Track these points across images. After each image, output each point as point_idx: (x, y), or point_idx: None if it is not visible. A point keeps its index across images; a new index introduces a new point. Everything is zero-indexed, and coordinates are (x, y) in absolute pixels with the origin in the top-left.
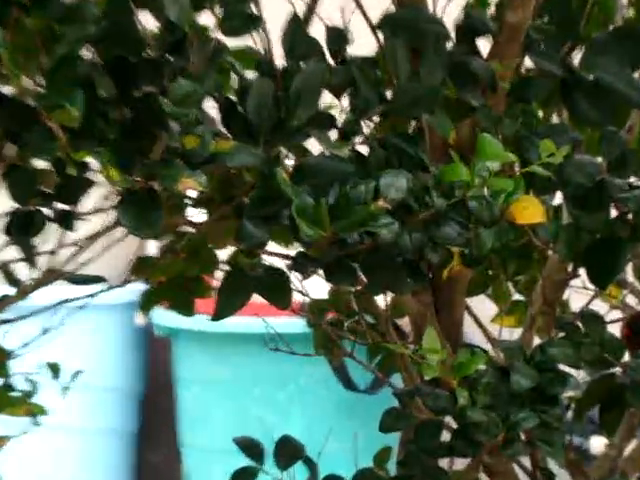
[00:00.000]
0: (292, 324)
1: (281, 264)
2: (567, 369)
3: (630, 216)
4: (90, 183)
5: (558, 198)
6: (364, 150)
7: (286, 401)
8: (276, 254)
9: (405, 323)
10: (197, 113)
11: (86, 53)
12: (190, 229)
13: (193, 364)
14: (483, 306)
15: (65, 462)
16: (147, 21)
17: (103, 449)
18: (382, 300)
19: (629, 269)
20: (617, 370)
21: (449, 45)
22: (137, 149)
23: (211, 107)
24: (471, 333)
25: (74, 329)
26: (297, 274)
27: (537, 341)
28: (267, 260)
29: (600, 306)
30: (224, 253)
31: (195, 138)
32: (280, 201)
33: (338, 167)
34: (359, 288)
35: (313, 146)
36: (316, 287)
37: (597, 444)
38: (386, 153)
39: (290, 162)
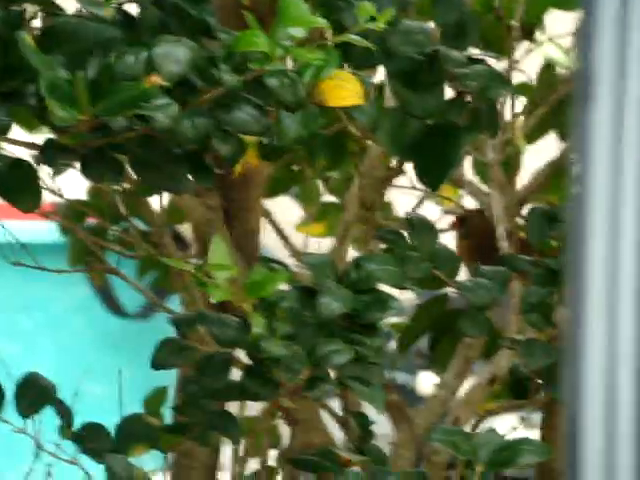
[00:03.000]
0: (40, 231)
1: (26, 155)
2: (389, 290)
3: (469, 98)
4: None
5: (380, 74)
6: (134, 10)
7: (33, 331)
8: (20, 142)
9: (186, 231)
10: None
11: None
12: None
13: None
14: (286, 211)
15: None
16: None
17: None
18: (157, 202)
19: (467, 164)
20: (450, 291)
21: None
22: None
23: None
24: (270, 245)
25: None
26: (47, 168)
27: (352, 255)
28: (9, 150)
29: (431, 210)
30: None
31: None
32: (24, 73)
33: (100, 30)
34: (127, 187)
35: (69, 3)
36: (72, 185)
37: (425, 383)
38: (162, 14)
39: (37, 23)
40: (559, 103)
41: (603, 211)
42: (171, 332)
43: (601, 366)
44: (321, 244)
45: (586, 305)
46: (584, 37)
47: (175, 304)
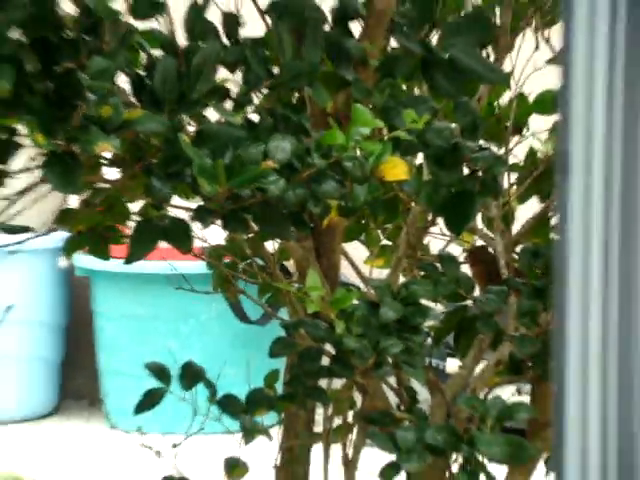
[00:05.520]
0: (194, 266)
1: (184, 215)
2: (427, 303)
3: (480, 173)
4: (18, 146)
5: (420, 158)
6: (255, 118)
7: (188, 333)
8: (180, 207)
9: (290, 265)
10: (111, 86)
11: (14, 34)
12: (106, 185)
13: (109, 301)
14: (357, 251)
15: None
16: (66, 6)
17: (31, 375)
18: (271, 245)
19: (479, 218)
20: (469, 303)
21: (327, 28)
22: (59, 117)
23: (123, 81)
24: (347, 273)
25: (6, 271)
26: (198, 224)
27: (402, 280)
28: (172, 212)
29: (455, 249)
30: (135, 206)
31: (109, 107)
32: (183, 161)
33: (232, 132)
34: (251, 235)
35: (211, 114)
36: (214, 235)
37: (452, 365)
38: (274, 120)
39: (191, 128)
40: (539, 176)
41: (576, 247)
42: (282, 333)
43: (577, 351)
44: (381, 273)
45: (565, 311)
46: (562, 128)
47: (284, 314)
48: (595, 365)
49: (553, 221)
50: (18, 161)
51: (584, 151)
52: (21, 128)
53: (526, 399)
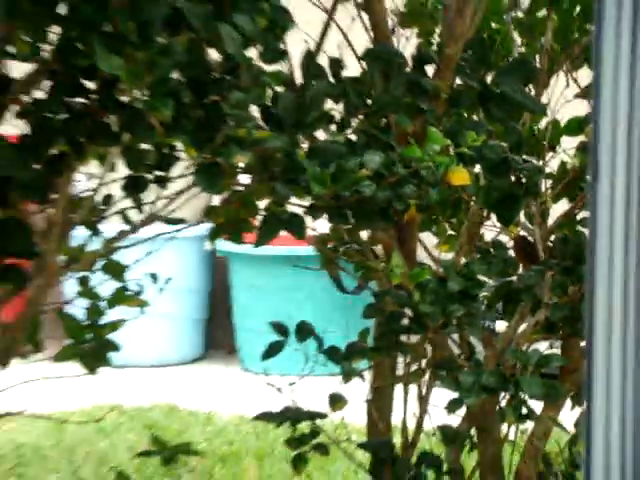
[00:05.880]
0: (307, 249)
1: (299, 211)
2: (482, 278)
3: (523, 180)
4: (177, 158)
5: (478, 168)
6: (353, 137)
7: (302, 300)
8: (296, 204)
9: (378, 249)
10: (246, 114)
11: (175, 75)
12: (240, 188)
13: (242, 275)
14: (429, 238)
15: (159, 339)
16: (213, 53)
17: (184, 330)
18: (364, 234)
19: (522, 214)
20: (514, 279)
21: (408, 69)
22: (207, 137)
23: (255, 110)
24: (422, 256)
25: (166, 252)
26: (310, 217)
27: (463, 261)
28: (290, 208)
29: (504, 238)
30: (262, 203)
31: (244, 130)
32: (299, 170)
33: (336, 148)
34: (349, 226)
35: (320, 135)
36: (322, 225)
37: (500, 326)
38: (367, 139)
39: (305, 145)
40: (568, 183)
41: (603, 237)
42: (372, 300)
43: (603, 313)
44: (447, 255)
45: (594, 284)
46: (592, 142)
47: (373, 286)
48: (617, 324)
49: (580, 215)
50: (177, 169)
51: (610, 162)
52: (179, 145)
53: (557, 352)
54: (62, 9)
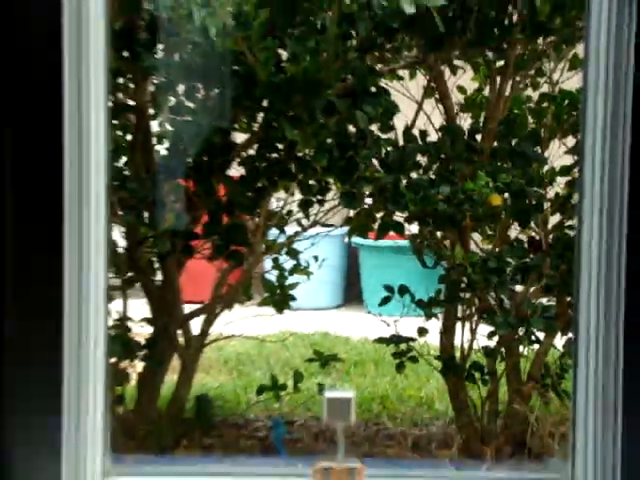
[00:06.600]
0: (405, 242)
1: (401, 219)
2: (509, 260)
3: (534, 202)
4: (329, 189)
5: (507, 195)
6: (433, 177)
7: (402, 273)
8: (399, 215)
9: (447, 243)
10: (369, 163)
11: (328, 140)
12: (367, 206)
13: (367, 258)
14: (476, 236)
15: (317, 293)
16: (351, 128)
17: (332, 289)
18: (439, 233)
19: (532, 222)
20: (527, 260)
21: (465, 137)
22: (348, 176)
23: (375, 161)
24: (473, 246)
25: (323, 244)
26: (407, 223)
27: (497, 249)
28: (395, 217)
29: (522, 235)
30: (379, 215)
31: (369, 171)
32: (401, 195)
33: (423, 183)
34: (430, 229)
35: (414, 175)
36: (414, 228)
37: (519, 288)
38: (441, 178)
39: (405, 181)
40: (560, 204)
41: (585, 235)
42: (443, 272)
43: (585, 280)
44: (488, 247)
45: (580, 264)
46: (578, 180)
47: (444, 264)
48: (594, 289)
49: (568, 223)
50: (329, 195)
51: (590, 191)
52: (331, 180)
53: (554, 304)
54: (264, 102)
